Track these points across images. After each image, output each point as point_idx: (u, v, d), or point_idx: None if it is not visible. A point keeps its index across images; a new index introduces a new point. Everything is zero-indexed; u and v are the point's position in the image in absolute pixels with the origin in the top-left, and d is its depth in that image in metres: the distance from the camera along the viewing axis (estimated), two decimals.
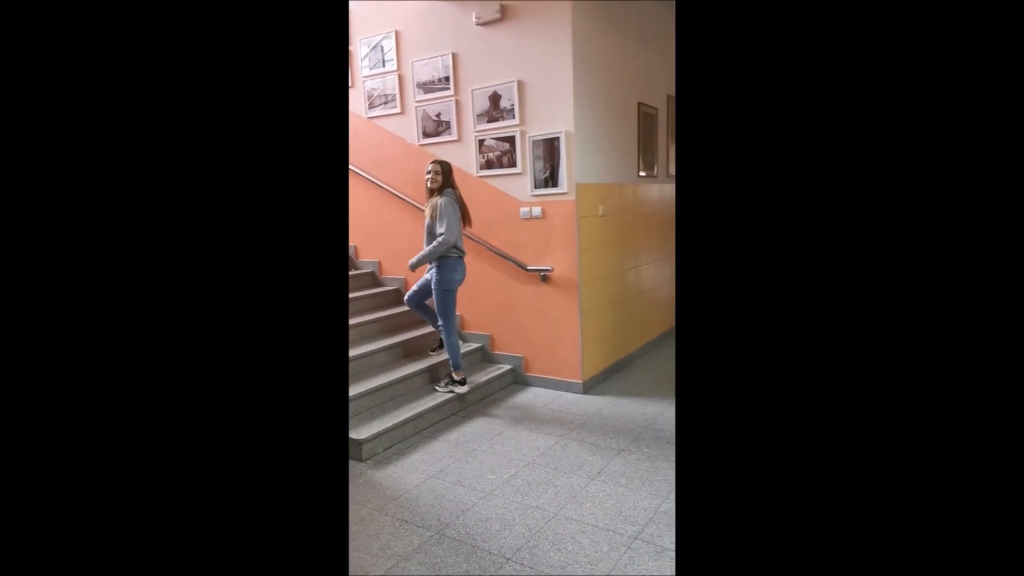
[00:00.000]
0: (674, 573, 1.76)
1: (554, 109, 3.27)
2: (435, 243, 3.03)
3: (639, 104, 3.94)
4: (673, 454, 2.58)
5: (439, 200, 3.04)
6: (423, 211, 3.75)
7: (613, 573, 1.78)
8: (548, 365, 3.56)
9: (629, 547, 1.91)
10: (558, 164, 3.29)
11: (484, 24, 3.40)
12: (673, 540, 1.93)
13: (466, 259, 3.19)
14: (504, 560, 1.87)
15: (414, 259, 3.12)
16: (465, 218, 3.14)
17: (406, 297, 3.40)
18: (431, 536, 2.03)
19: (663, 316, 4.51)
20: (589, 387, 3.49)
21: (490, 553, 1.92)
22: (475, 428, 3.01)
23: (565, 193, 3.30)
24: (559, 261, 3.40)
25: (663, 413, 3.08)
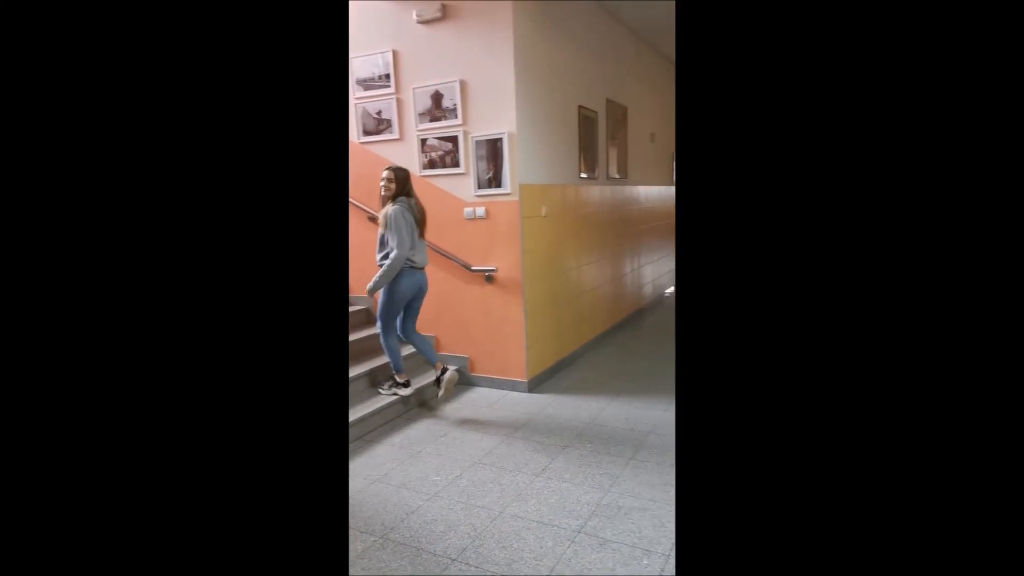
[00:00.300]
0: (619, 570, 1.82)
1: (497, 110, 3.28)
2: (388, 262, 2.90)
3: (579, 107, 4.01)
4: (613, 448, 2.65)
5: (389, 209, 2.93)
6: (367, 211, 3.70)
7: (557, 568, 1.81)
8: (493, 365, 3.58)
9: (573, 541, 1.95)
10: (501, 165, 3.31)
11: (425, 23, 3.38)
12: (614, 532, 1.98)
13: None
14: (449, 561, 1.87)
15: (370, 284, 2.95)
16: (421, 227, 3.01)
17: (398, 331, 3.17)
18: (375, 541, 2.00)
19: (604, 315, 4.62)
20: (534, 386, 3.53)
21: (435, 555, 1.91)
22: (419, 430, 2.98)
23: (509, 194, 3.32)
24: (503, 261, 3.42)
25: (605, 408, 3.16)
